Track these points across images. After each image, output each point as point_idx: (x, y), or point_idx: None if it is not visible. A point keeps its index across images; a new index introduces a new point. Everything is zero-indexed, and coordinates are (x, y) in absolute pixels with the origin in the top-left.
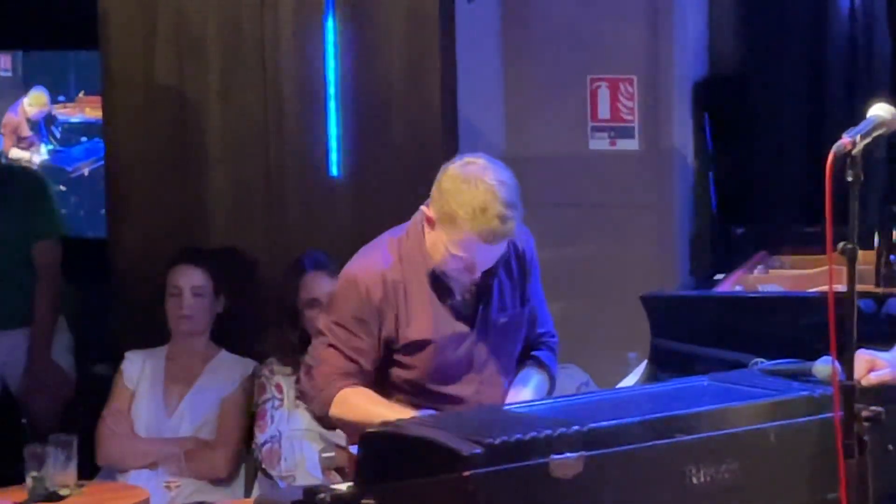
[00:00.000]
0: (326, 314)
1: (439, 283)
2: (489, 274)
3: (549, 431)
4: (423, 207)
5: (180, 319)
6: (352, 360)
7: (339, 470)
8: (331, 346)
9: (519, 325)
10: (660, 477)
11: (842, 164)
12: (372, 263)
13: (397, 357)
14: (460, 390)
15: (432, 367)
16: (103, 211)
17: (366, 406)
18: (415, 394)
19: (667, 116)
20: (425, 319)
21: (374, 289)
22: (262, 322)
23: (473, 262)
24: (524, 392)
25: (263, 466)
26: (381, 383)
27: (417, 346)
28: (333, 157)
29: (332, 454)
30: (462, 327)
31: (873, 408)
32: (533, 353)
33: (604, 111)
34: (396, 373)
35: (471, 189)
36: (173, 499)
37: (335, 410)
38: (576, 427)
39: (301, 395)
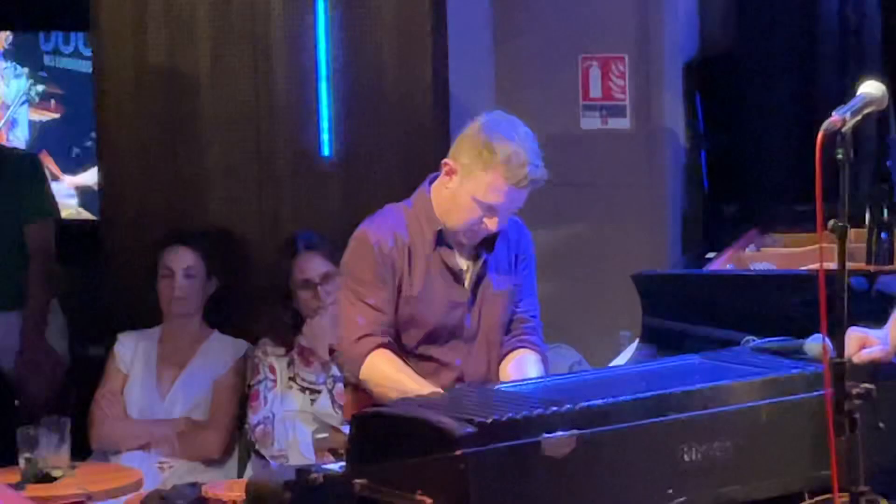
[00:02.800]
0: (344, 276)
1: (442, 243)
2: (489, 248)
3: (541, 410)
4: (444, 162)
5: (172, 301)
6: (380, 311)
7: (333, 451)
8: (353, 303)
9: (508, 302)
10: (652, 455)
11: (832, 141)
12: (381, 222)
13: (400, 314)
14: (446, 354)
15: (424, 325)
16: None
17: (395, 375)
18: (407, 356)
19: (658, 95)
20: (423, 277)
21: (384, 241)
22: (255, 303)
23: (496, 210)
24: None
25: (257, 447)
26: None
27: (413, 301)
28: (325, 137)
29: (326, 435)
30: (458, 291)
31: (864, 385)
32: (523, 336)
33: (595, 90)
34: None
35: (504, 136)
36: (166, 479)
37: (365, 373)
38: (568, 406)
39: (332, 355)
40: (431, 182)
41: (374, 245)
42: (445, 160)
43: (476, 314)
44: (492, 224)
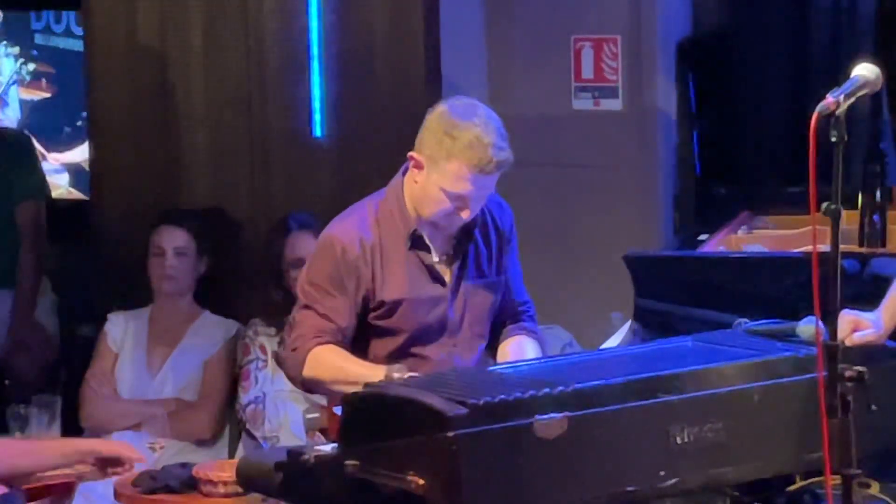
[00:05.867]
0: (301, 280)
1: (417, 243)
2: (467, 239)
3: (533, 392)
4: (410, 154)
5: (163, 280)
6: (326, 318)
7: (324, 431)
8: (305, 307)
9: (494, 292)
10: (644, 437)
11: (825, 124)
12: (349, 225)
13: (374, 322)
14: (434, 352)
15: (407, 327)
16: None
17: (339, 363)
18: (391, 360)
19: (650, 76)
20: (400, 279)
21: (350, 248)
22: (245, 283)
23: (467, 199)
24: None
25: (248, 427)
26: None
27: (392, 305)
28: (317, 117)
29: (317, 415)
30: (437, 289)
31: (857, 368)
32: (521, 323)
33: (587, 71)
34: (374, 343)
35: (464, 122)
36: (157, 460)
37: (308, 371)
38: (560, 388)
39: (277, 360)
40: (405, 172)
41: (338, 251)
42: (411, 153)
43: (459, 307)
44: (464, 213)
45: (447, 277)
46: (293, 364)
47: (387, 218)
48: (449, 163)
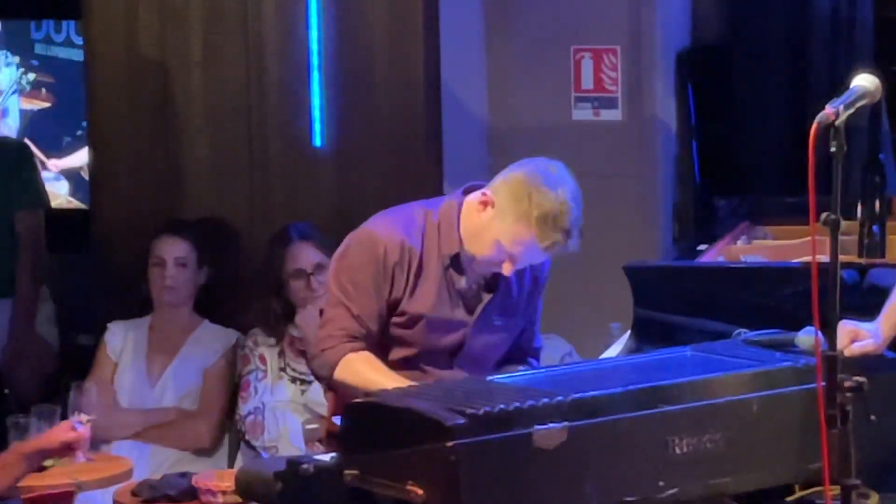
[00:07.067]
0: (338, 271)
1: (454, 267)
2: (501, 276)
3: (532, 402)
4: (484, 191)
5: (163, 290)
6: (359, 321)
7: (323, 441)
8: (340, 304)
9: (512, 332)
10: (643, 447)
11: (825, 134)
12: (395, 226)
13: (394, 331)
14: (435, 373)
15: (422, 342)
16: None
17: (371, 376)
18: (403, 367)
19: (650, 87)
20: (428, 295)
21: (391, 251)
22: (245, 293)
23: (516, 259)
24: None
25: (247, 437)
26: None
27: (413, 318)
28: (316, 127)
29: (316, 425)
30: (462, 315)
31: (856, 378)
32: (528, 359)
33: (587, 82)
34: (393, 348)
35: (550, 193)
36: (153, 467)
37: (339, 374)
38: (559, 397)
39: (304, 356)
40: (466, 193)
41: (380, 252)
42: (485, 189)
43: (475, 340)
44: (507, 269)
45: (473, 307)
46: (322, 364)
47: (434, 232)
48: (517, 224)
